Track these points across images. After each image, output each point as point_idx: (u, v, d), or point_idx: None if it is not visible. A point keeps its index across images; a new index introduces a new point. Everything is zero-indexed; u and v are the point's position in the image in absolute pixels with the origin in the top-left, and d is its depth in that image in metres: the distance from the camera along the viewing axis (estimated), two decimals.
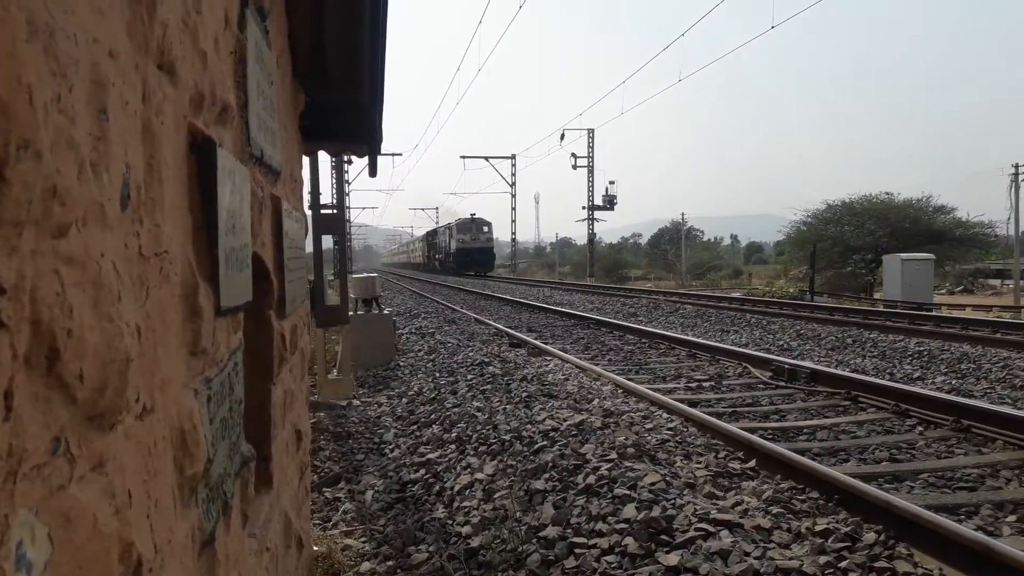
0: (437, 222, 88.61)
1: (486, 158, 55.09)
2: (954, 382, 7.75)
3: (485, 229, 54.43)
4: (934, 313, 16.22)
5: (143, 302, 0.97)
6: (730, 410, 6.59)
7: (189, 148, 1.30)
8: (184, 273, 1.22)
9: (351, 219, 53.68)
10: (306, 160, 6.55)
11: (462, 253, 53.56)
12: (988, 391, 7.27)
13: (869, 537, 3.36)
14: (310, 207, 7.53)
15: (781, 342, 11.19)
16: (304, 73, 3.26)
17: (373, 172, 6.05)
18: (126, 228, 0.92)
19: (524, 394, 6.72)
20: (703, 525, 3.36)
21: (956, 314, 17.07)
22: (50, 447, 0.69)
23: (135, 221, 0.95)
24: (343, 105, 3.79)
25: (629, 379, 7.93)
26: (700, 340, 10.81)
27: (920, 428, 5.80)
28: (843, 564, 3.09)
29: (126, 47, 0.94)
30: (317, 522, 4.19)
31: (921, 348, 9.93)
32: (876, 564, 3.11)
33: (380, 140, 4.61)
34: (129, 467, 0.87)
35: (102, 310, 0.79)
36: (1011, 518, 3.87)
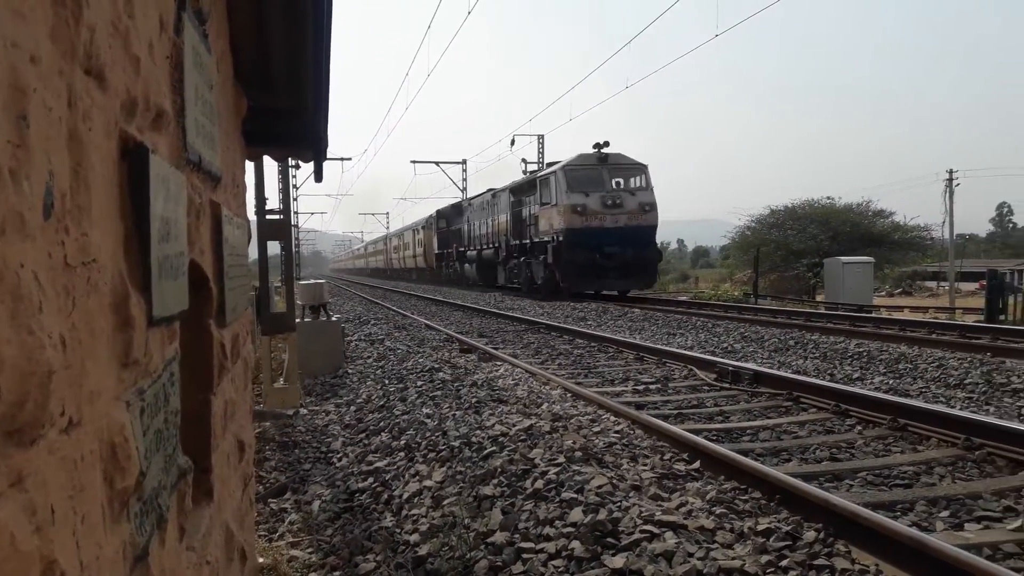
0: (388, 227, 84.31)
1: (437, 163, 53.36)
2: (892, 382, 7.98)
3: (635, 182, 24.24)
4: (873, 315, 16.68)
5: (69, 313, 0.95)
6: (676, 412, 6.68)
7: (121, 155, 1.28)
8: (114, 282, 1.19)
9: (299, 224, 52.18)
10: (251, 165, 6.46)
11: (585, 241, 22.70)
12: (924, 390, 7.50)
13: (809, 535, 3.44)
14: (256, 212, 7.42)
15: (726, 344, 11.39)
16: (247, 77, 3.21)
17: (319, 177, 5.99)
18: (50, 237, 0.89)
19: (474, 400, 6.72)
20: (648, 527, 3.40)
21: (895, 315, 17.60)
22: None
23: (60, 230, 0.93)
24: (288, 110, 3.74)
25: (578, 383, 7.98)
26: (647, 343, 10.94)
27: (859, 427, 5.96)
28: (784, 563, 3.16)
29: (49, 52, 0.92)
30: (262, 533, 4.12)
31: (861, 349, 10.20)
32: (816, 562, 3.19)
33: (326, 145, 4.57)
34: (52, 483, 0.85)
35: (21, 322, 0.77)
36: (944, 513, 4.00)
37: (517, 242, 27.75)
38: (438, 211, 43.17)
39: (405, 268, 54.95)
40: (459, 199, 43.83)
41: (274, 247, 8.30)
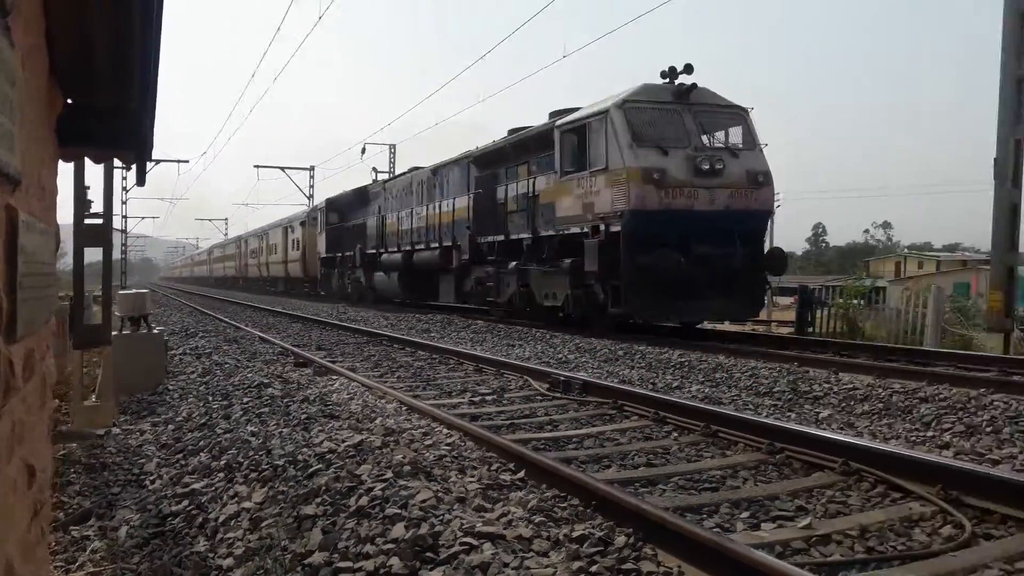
0: (226, 234, 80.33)
1: (282, 168, 51.28)
2: (708, 390, 8.52)
3: (732, 136, 13.89)
4: (697, 327, 17.72)
5: None
6: (509, 422, 6.83)
7: None
8: None
9: (126, 229, 48.66)
10: (70, 167, 6.00)
11: (663, 233, 12.57)
12: (736, 398, 8.07)
13: (620, 541, 3.61)
14: (74, 217, 6.90)
15: (561, 355, 11.76)
16: (67, 72, 3.00)
17: (141, 180, 5.67)
18: None
19: (304, 416, 6.55)
20: (468, 539, 3.46)
21: (717, 327, 18.81)
22: None
23: None
24: (110, 107, 3.52)
25: (415, 396, 7.98)
26: (487, 355, 11.13)
27: (675, 434, 6.32)
28: (594, 568, 3.30)
29: None
30: (59, 564, 3.83)
31: (683, 359, 10.79)
32: (624, 566, 3.35)
33: (150, 147, 4.33)
34: None
35: None
36: (744, 514, 4.31)
37: (498, 238, 17.76)
38: (328, 200, 32.46)
39: (269, 277, 44.30)
40: (305, 206, 39.62)
41: (96, 254, 7.72)
